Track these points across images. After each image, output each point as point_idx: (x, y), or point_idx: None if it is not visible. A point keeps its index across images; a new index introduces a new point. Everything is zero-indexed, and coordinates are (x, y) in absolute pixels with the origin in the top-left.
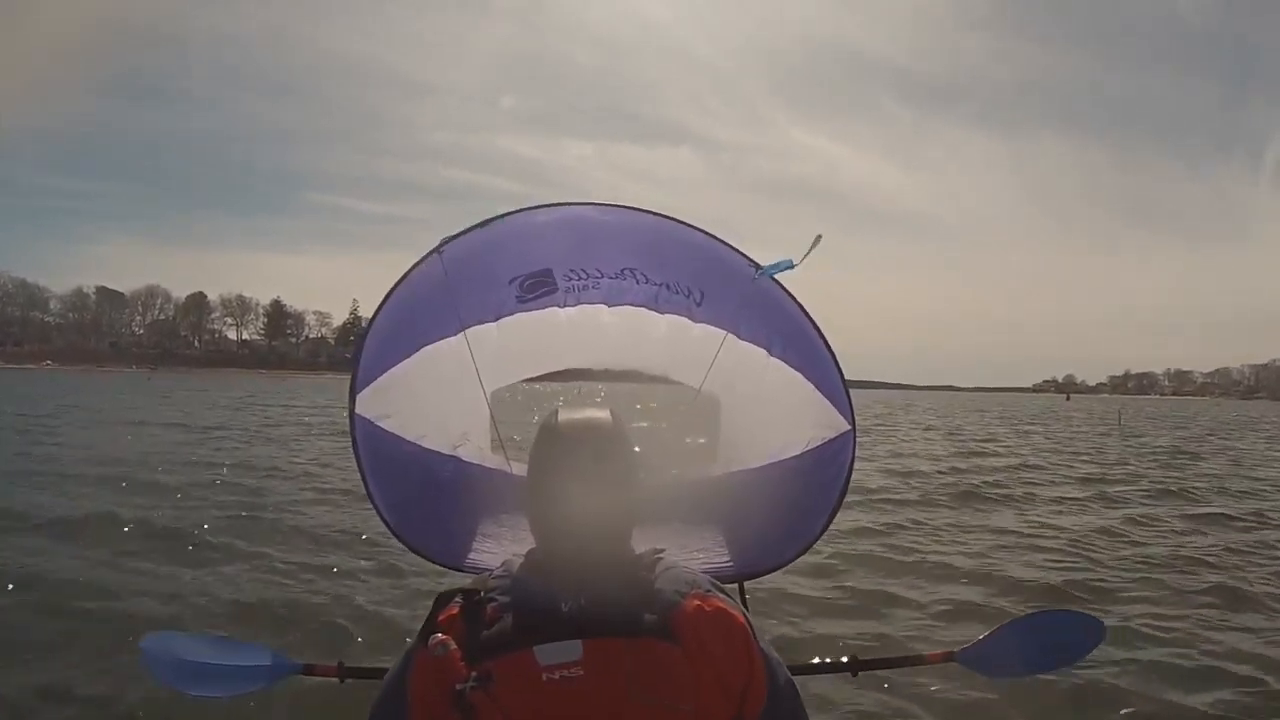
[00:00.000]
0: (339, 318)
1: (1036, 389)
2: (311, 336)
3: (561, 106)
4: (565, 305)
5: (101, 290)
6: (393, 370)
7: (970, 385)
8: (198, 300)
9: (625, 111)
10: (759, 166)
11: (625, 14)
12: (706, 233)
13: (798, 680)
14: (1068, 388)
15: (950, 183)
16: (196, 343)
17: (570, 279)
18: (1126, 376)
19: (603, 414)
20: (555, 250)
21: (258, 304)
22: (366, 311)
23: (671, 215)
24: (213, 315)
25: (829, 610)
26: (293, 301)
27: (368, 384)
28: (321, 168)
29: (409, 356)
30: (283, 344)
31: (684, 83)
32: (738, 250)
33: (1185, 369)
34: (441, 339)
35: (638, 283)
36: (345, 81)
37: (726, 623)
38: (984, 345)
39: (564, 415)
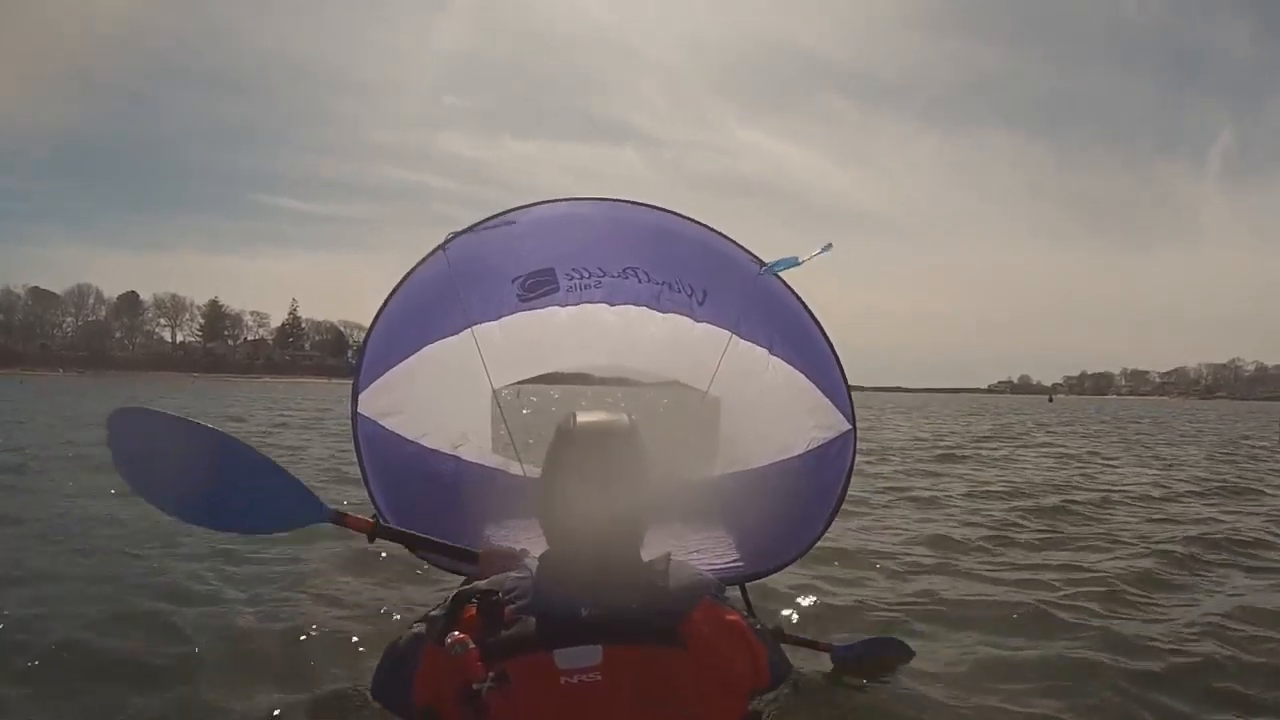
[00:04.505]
0: (277, 318)
1: (992, 389)
2: (250, 339)
3: (504, 105)
4: (566, 304)
5: (34, 290)
6: (395, 369)
7: (919, 386)
8: (130, 300)
9: (569, 110)
10: (704, 164)
11: (568, 13)
12: (710, 228)
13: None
14: (1024, 388)
15: (896, 180)
16: (130, 345)
17: (572, 278)
18: (1083, 377)
19: (619, 418)
20: (558, 248)
21: (193, 304)
22: (306, 312)
23: (674, 210)
24: (146, 315)
25: None
26: (230, 302)
27: (370, 383)
28: (258, 167)
29: (411, 355)
30: (220, 346)
31: (628, 81)
32: (741, 246)
33: (1141, 369)
34: (444, 337)
35: (640, 281)
36: (284, 79)
37: (732, 627)
38: (930, 345)
39: (581, 418)
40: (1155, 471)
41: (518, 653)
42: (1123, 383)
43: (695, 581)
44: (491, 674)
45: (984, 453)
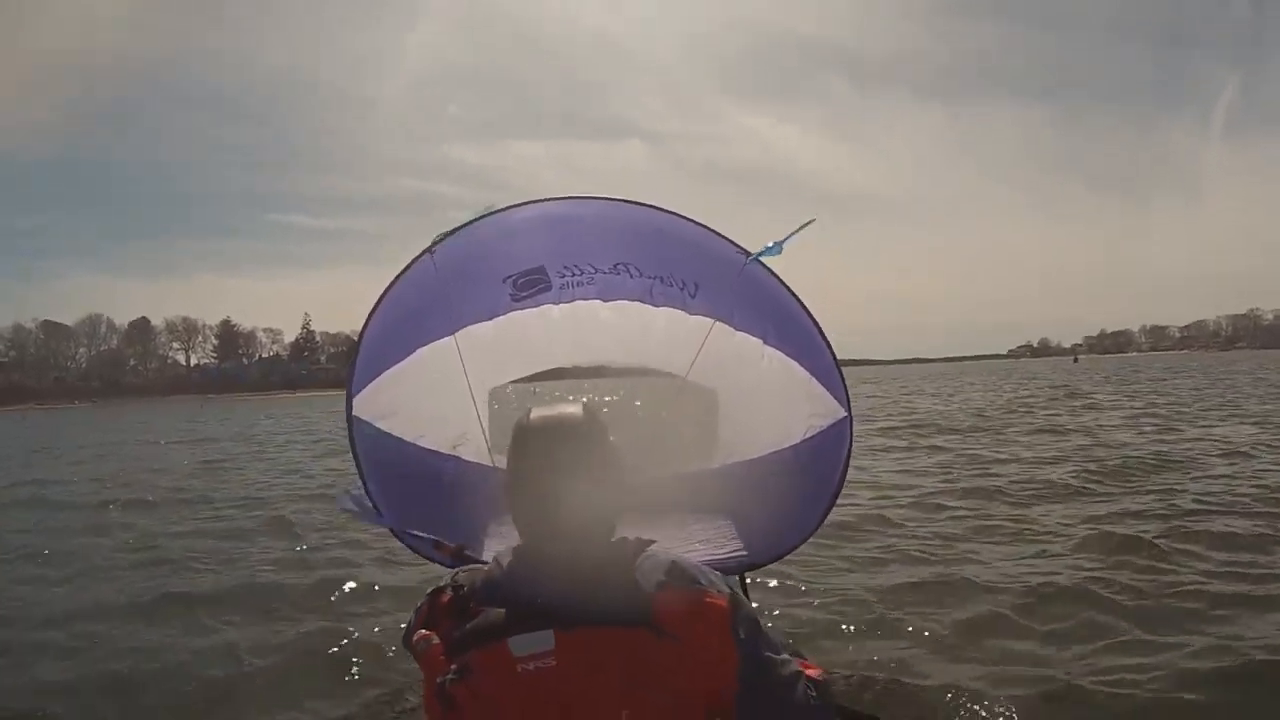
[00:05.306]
0: (290, 334)
1: (1012, 354)
2: (265, 356)
3: (508, 110)
4: (559, 302)
5: (45, 324)
6: (389, 371)
7: (938, 356)
8: (141, 326)
9: (571, 110)
10: (707, 154)
11: (563, 15)
12: (696, 222)
13: None
14: (1045, 351)
15: (898, 160)
16: (145, 371)
17: (564, 275)
18: (1103, 336)
19: (574, 409)
20: (547, 246)
21: (205, 325)
22: (319, 326)
23: (660, 206)
24: (159, 340)
25: None
26: (242, 322)
27: (365, 386)
28: (264, 187)
29: (406, 357)
30: (234, 365)
31: (627, 76)
32: (726, 238)
33: (1160, 324)
34: (437, 339)
35: (631, 277)
36: (285, 97)
37: (703, 609)
38: (945, 316)
39: (536, 413)
40: (1255, 427)
41: (478, 644)
42: (1142, 339)
43: (664, 563)
44: (454, 667)
45: (1058, 419)
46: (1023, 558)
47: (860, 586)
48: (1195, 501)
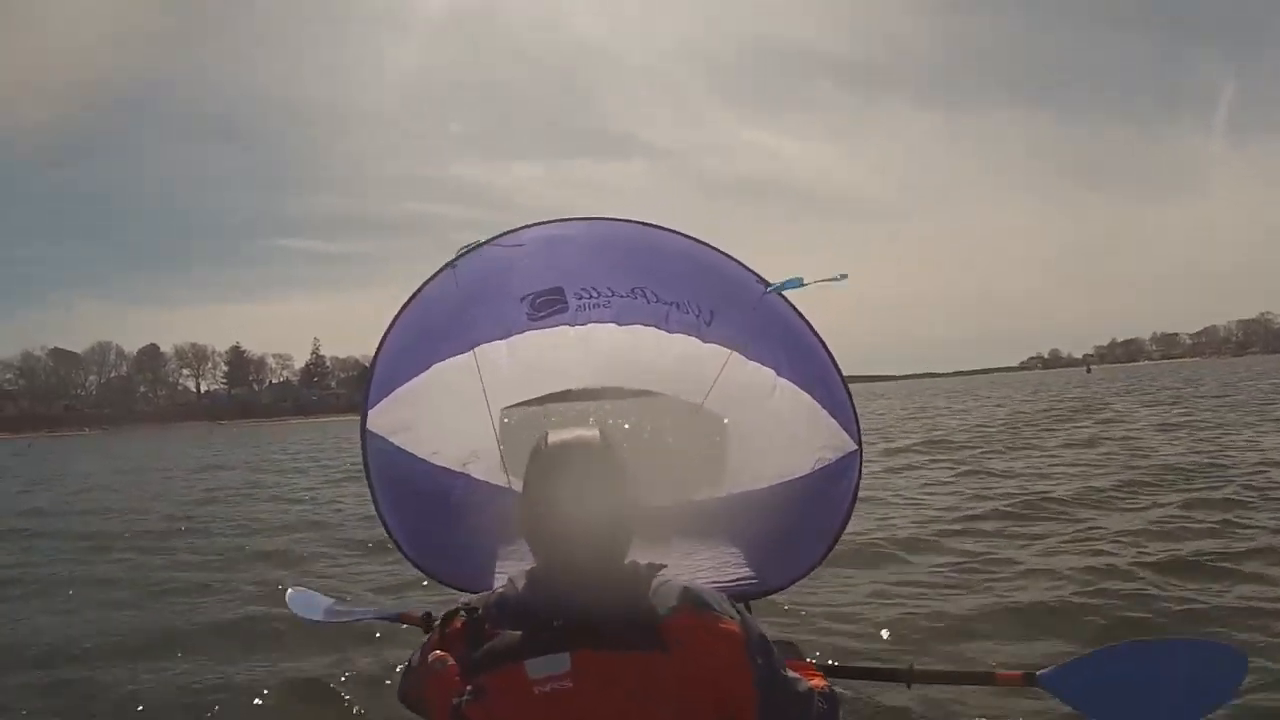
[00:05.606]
0: (300, 359)
1: (1024, 366)
2: (275, 381)
3: (506, 129)
4: (575, 323)
5: (54, 351)
6: (405, 386)
7: (949, 370)
8: (151, 353)
9: (572, 129)
10: (709, 168)
11: (562, 32)
12: (715, 248)
13: (840, 683)
14: (1056, 362)
15: (901, 165)
16: (155, 398)
17: (581, 297)
18: (1113, 345)
19: (591, 433)
20: (566, 267)
21: (215, 352)
22: (329, 351)
23: (681, 231)
24: (169, 367)
25: None
26: (252, 348)
27: (380, 400)
28: (269, 212)
29: (421, 373)
30: (245, 391)
31: (627, 94)
32: (746, 266)
33: (1170, 331)
34: (453, 356)
35: (648, 301)
36: (281, 121)
37: (717, 634)
38: (953, 328)
39: (553, 436)
40: None
41: (493, 666)
42: (1153, 348)
43: (678, 589)
44: (470, 688)
45: (1089, 431)
46: (1095, 586)
47: (917, 625)
48: (1272, 519)
